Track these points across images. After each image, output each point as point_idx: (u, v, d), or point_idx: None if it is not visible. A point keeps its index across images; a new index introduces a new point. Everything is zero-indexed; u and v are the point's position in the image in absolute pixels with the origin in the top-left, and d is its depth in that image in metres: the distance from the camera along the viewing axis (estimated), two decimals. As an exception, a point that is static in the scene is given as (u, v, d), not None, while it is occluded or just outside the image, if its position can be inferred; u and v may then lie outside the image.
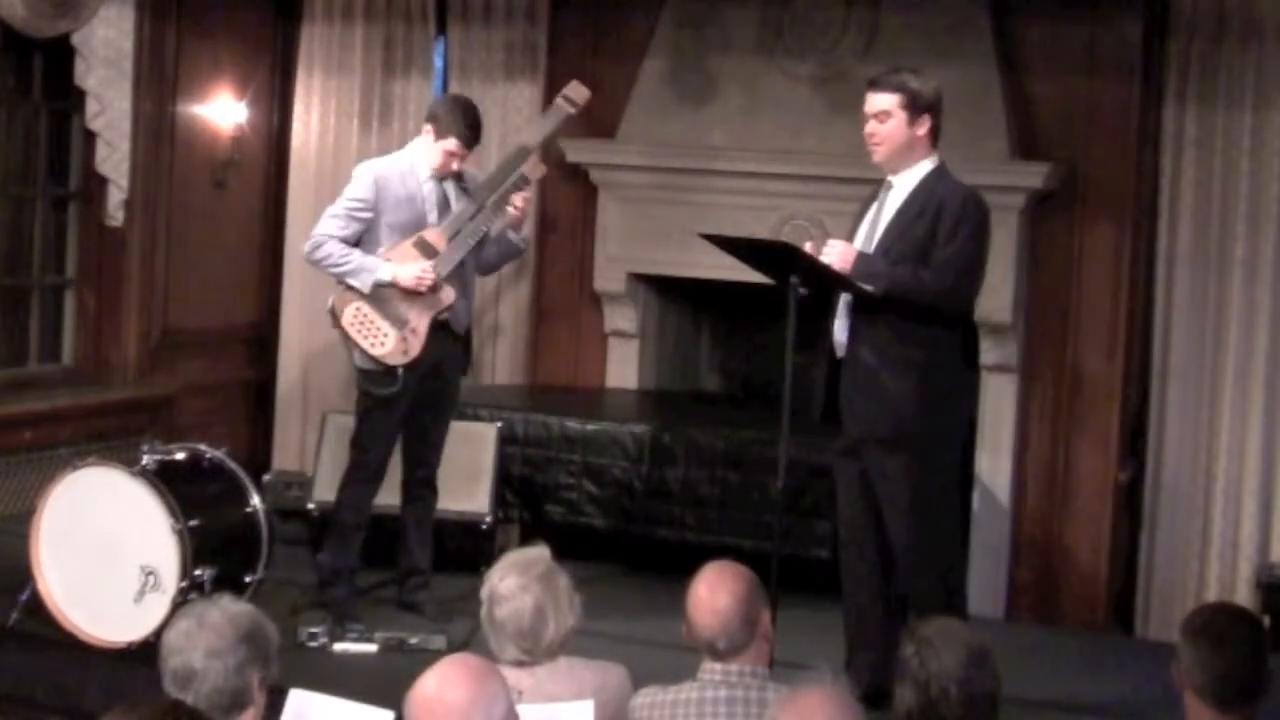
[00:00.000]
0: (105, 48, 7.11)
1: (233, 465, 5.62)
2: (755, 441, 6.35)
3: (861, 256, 4.95)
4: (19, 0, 6.67)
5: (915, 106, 5.00)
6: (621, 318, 7.43)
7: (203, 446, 5.68)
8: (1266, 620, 6.12)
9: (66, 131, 7.41)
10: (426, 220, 5.70)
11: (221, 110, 7.77)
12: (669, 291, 7.51)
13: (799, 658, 4.23)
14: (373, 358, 5.62)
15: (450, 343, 5.78)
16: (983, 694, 3.09)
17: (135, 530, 5.25)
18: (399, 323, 5.62)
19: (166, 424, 7.44)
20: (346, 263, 5.63)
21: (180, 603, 4.98)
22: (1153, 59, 6.67)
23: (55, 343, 7.51)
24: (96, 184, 7.33)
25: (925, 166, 5.05)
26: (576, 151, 7.31)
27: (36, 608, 5.37)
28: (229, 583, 5.18)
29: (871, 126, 5.06)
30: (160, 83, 7.48)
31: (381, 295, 5.62)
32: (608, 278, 7.38)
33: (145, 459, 5.44)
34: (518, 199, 5.74)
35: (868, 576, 5.08)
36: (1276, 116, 6.42)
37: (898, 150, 5.03)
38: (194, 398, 7.68)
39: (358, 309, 5.63)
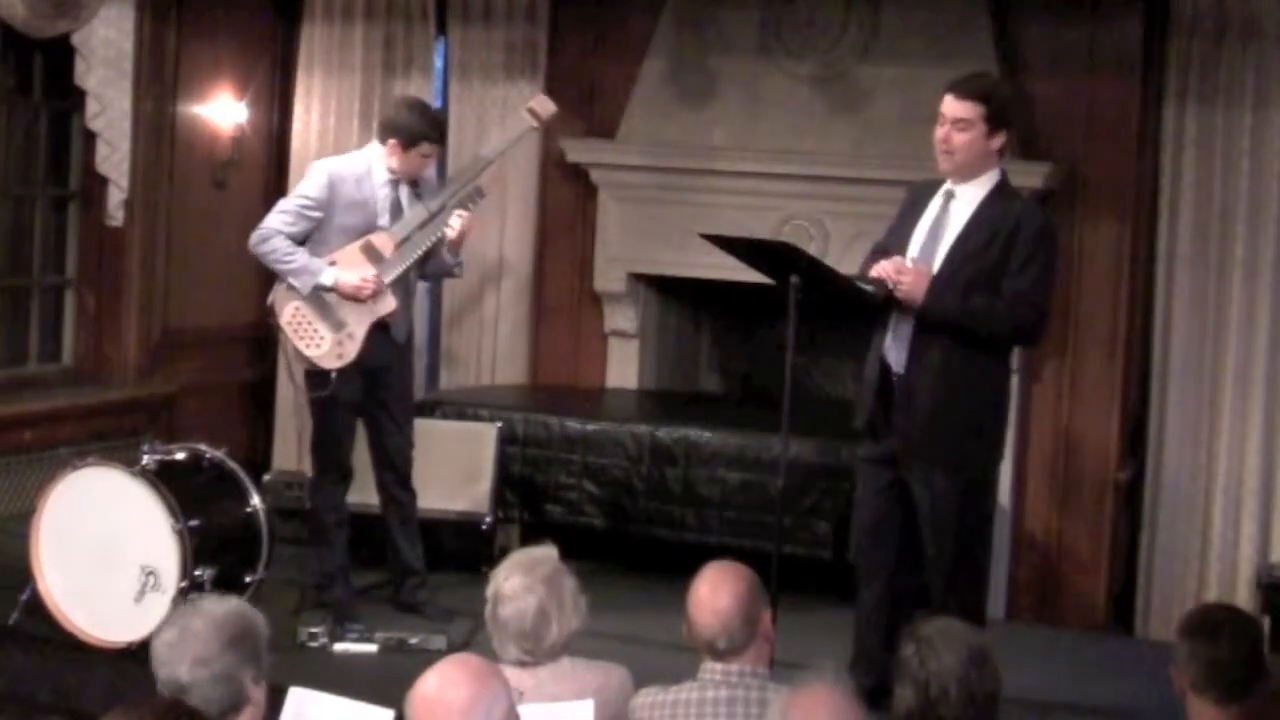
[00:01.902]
0: (105, 48, 7.11)
1: (233, 465, 5.62)
2: (755, 441, 6.34)
3: (934, 287, 4.78)
4: (19, 0, 6.67)
5: (997, 119, 4.81)
6: (621, 318, 7.43)
7: (203, 446, 5.67)
8: (1267, 620, 6.14)
9: (66, 131, 7.41)
10: (377, 224, 5.67)
11: (221, 110, 7.77)
12: (669, 291, 7.51)
13: (799, 658, 4.22)
14: (306, 358, 5.62)
15: (390, 347, 5.74)
16: (983, 694, 3.09)
17: (135, 530, 5.25)
18: (337, 326, 5.60)
19: (166, 424, 7.44)
20: (291, 261, 5.60)
21: (181, 603, 4.98)
22: (1153, 59, 6.67)
23: (55, 343, 7.52)
24: (96, 184, 7.33)
25: (990, 179, 4.88)
26: (576, 151, 7.31)
27: (36, 608, 5.37)
28: (229, 583, 5.18)
29: (946, 133, 4.82)
30: (160, 83, 7.48)
31: (322, 298, 5.60)
32: (608, 278, 7.38)
33: (145, 459, 5.44)
34: (455, 221, 5.69)
35: (882, 578, 5.05)
36: (1276, 116, 6.42)
37: (970, 162, 4.83)
38: (194, 398, 7.68)
39: (297, 309, 5.61)
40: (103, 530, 5.30)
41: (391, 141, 5.65)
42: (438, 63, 7.78)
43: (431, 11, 7.64)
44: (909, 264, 4.85)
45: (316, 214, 5.63)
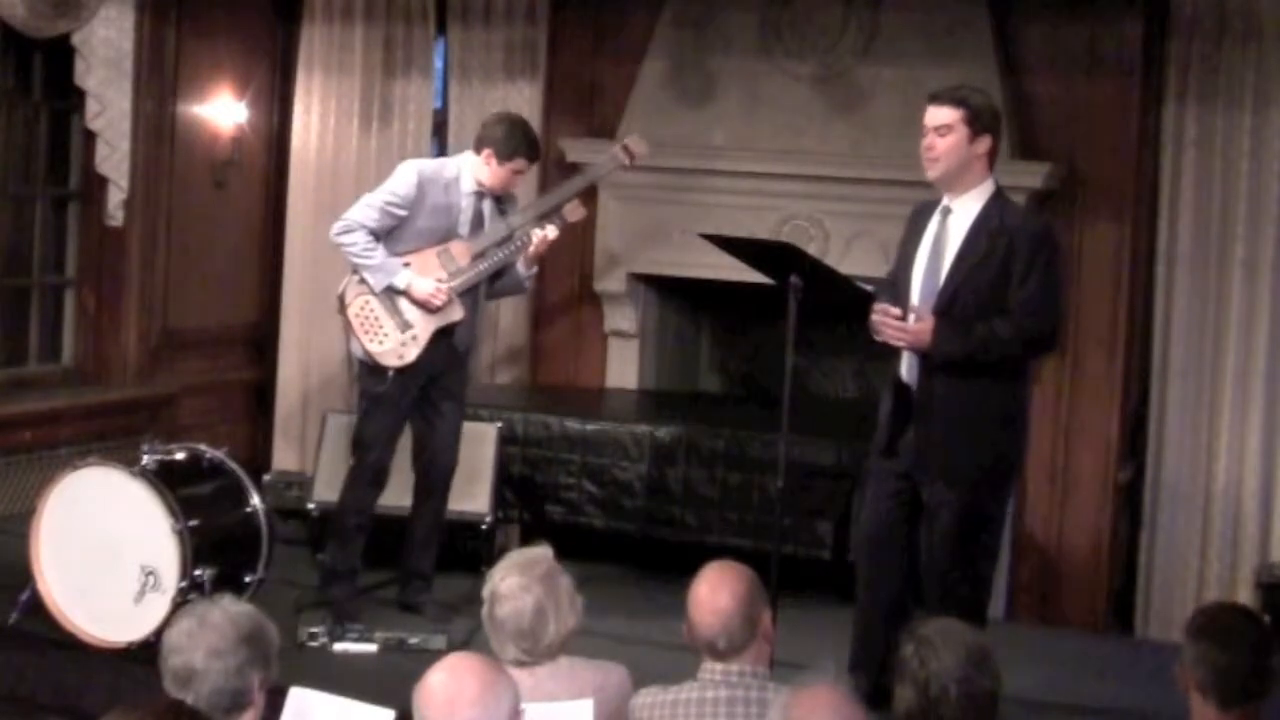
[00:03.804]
0: (105, 48, 7.11)
1: (233, 465, 5.62)
2: (755, 441, 6.34)
3: (938, 333, 4.76)
4: (19, 0, 6.67)
5: (977, 124, 4.84)
6: (621, 318, 7.43)
7: (203, 446, 5.68)
8: (1266, 620, 6.13)
9: (66, 131, 7.41)
10: (457, 232, 5.69)
11: (221, 110, 7.77)
12: (669, 291, 7.52)
13: (799, 658, 4.23)
14: (368, 352, 5.63)
15: (451, 355, 5.77)
16: (983, 694, 3.09)
17: (135, 530, 5.25)
18: (403, 326, 5.62)
19: (166, 424, 7.44)
20: (369, 257, 5.62)
21: (180, 603, 4.99)
22: (1153, 59, 6.67)
23: (55, 343, 7.52)
24: (96, 184, 7.33)
25: (984, 190, 4.88)
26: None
27: (36, 608, 5.37)
28: (229, 583, 5.18)
29: (930, 140, 4.86)
30: (160, 83, 7.48)
31: (392, 297, 5.62)
32: (608, 278, 7.38)
33: (145, 459, 5.43)
34: (541, 233, 5.71)
35: (885, 583, 5.03)
36: (1276, 116, 6.42)
37: (955, 168, 4.84)
38: (194, 398, 7.68)
39: (366, 302, 5.64)
40: (103, 530, 5.30)
41: (487, 151, 5.67)
42: (438, 63, 7.78)
43: (431, 12, 7.64)
44: (909, 319, 4.82)
45: (401, 212, 5.65)
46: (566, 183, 6.13)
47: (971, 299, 4.79)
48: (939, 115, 4.86)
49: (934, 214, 4.95)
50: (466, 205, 5.71)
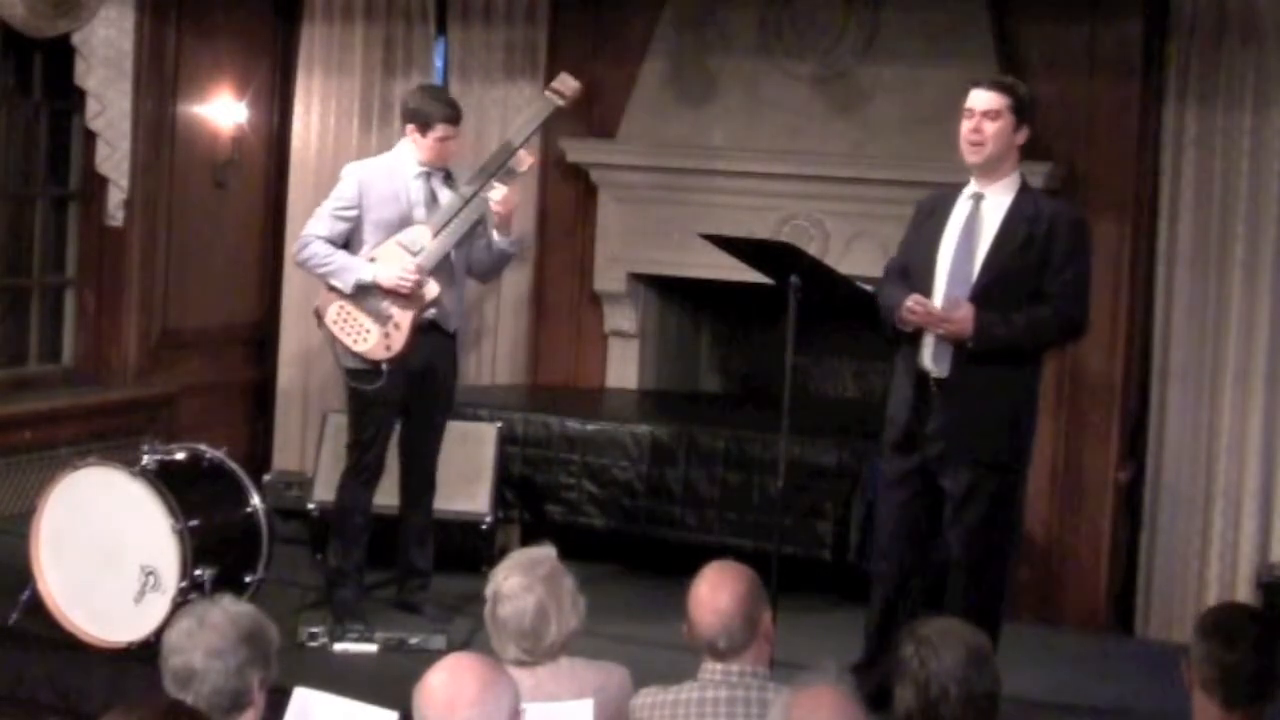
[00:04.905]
0: (105, 48, 7.11)
1: (233, 465, 5.63)
2: (755, 441, 6.34)
3: (980, 324, 4.77)
4: (19, 0, 6.67)
5: (1021, 111, 4.89)
6: (621, 318, 7.43)
7: (203, 446, 5.68)
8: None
9: (66, 131, 7.41)
10: (413, 217, 5.70)
11: (221, 110, 7.77)
12: (669, 291, 7.51)
13: (799, 658, 4.22)
14: (356, 354, 5.63)
15: (441, 342, 5.77)
16: (982, 694, 3.09)
17: (135, 530, 5.25)
18: (381, 318, 5.62)
19: (166, 424, 7.44)
20: (330, 263, 5.64)
21: (180, 603, 4.99)
22: (1153, 59, 6.67)
23: (55, 343, 7.51)
24: (96, 184, 7.33)
25: (1014, 181, 4.92)
26: (576, 151, 7.31)
27: (36, 608, 5.37)
28: (229, 583, 5.18)
29: (977, 123, 4.87)
30: (160, 83, 7.48)
31: (365, 294, 5.62)
32: (608, 278, 7.38)
33: (145, 459, 5.44)
34: (497, 196, 5.70)
35: (901, 587, 5.04)
36: (1276, 116, 6.42)
37: (998, 153, 4.88)
38: (194, 398, 7.68)
39: (340, 307, 5.64)
40: (103, 530, 5.30)
41: (410, 127, 5.71)
42: (438, 63, 7.78)
43: (431, 12, 7.64)
44: (940, 304, 4.82)
45: (351, 213, 5.68)
46: (507, 142, 6.11)
47: (1009, 283, 4.82)
48: (987, 100, 4.89)
49: (956, 202, 4.95)
50: (415, 188, 5.72)
